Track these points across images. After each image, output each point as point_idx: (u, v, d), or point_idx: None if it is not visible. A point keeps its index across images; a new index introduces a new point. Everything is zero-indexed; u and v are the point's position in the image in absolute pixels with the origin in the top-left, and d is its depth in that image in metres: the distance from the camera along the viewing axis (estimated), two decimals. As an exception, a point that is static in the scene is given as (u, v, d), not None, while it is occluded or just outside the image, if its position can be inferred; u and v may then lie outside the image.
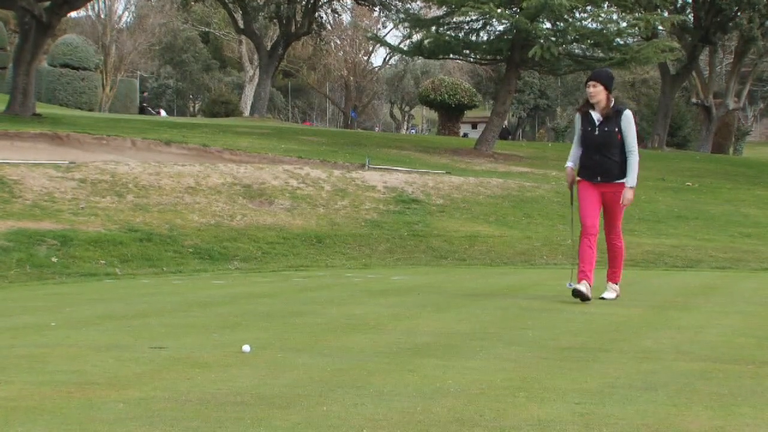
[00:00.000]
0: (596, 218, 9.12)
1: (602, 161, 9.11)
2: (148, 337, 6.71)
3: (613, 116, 9.08)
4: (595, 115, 9.14)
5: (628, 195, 9.09)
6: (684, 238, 17.89)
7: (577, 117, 9.38)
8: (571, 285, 9.21)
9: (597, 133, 9.10)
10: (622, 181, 9.13)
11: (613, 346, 6.47)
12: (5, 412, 4.34)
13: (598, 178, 9.16)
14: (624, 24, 30.66)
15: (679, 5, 43.83)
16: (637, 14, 31.31)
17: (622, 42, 30.89)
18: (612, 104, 9.14)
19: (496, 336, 6.84)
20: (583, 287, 8.94)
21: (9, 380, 5.07)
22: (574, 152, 9.37)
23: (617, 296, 9.44)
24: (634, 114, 11.86)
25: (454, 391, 4.88)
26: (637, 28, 30.43)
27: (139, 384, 4.98)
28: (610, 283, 9.49)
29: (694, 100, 51.37)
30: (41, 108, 35.40)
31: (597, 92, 9.07)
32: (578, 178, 9.33)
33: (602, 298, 9.25)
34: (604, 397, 4.78)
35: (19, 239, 13.85)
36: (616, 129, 9.05)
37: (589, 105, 9.19)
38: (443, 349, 6.24)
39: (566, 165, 9.49)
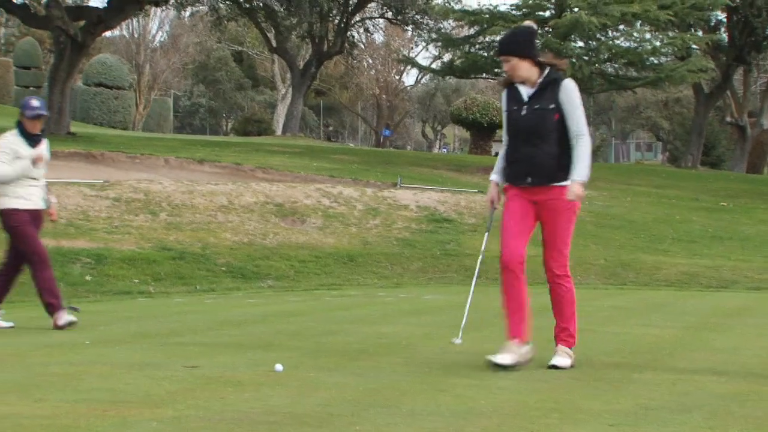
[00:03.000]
0: (523, 241, 6.29)
1: (532, 155, 6.25)
2: (181, 355, 6.74)
3: (547, 89, 6.29)
4: (525, 90, 6.34)
5: (574, 189, 6.17)
6: (719, 259, 17.74)
7: (503, 95, 6.49)
8: (457, 341, 7.00)
9: (524, 113, 6.30)
10: (564, 183, 6.24)
11: (647, 366, 6.42)
12: (40, 429, 4.36)
13: (528, 180, 6.28)
14: (658, 43, 30.57)
15: (712, 24, 43.64)
16: (671, 33, 31.22)
17: (656, 61, 30.79)
18: (545, 73, 6.33)
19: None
20: (507, 357, 6.14)
21: (43, 398, 5.11)
22: (503, 154, 6.53)
23: (572, 364, 6.32)
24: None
25: (486, 411, 4.85)
26: (671, 47, 30.31)
27: (172, 402, 5.00)
28: (561, 346, 6.42)
29: (728, 119, 51.03)
30: (75, 127, 35.71)
31: (511, 68, 6.31)
32: (505, 184, 6.50)
33: (554, 366, 6.25)
34: (638, 418, 4.73)
35: (54, 257, 13.89)
36: (552, 106, 6.25)
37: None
38: (475, 368, 6.22)
39: (491, 177, 6.59)
